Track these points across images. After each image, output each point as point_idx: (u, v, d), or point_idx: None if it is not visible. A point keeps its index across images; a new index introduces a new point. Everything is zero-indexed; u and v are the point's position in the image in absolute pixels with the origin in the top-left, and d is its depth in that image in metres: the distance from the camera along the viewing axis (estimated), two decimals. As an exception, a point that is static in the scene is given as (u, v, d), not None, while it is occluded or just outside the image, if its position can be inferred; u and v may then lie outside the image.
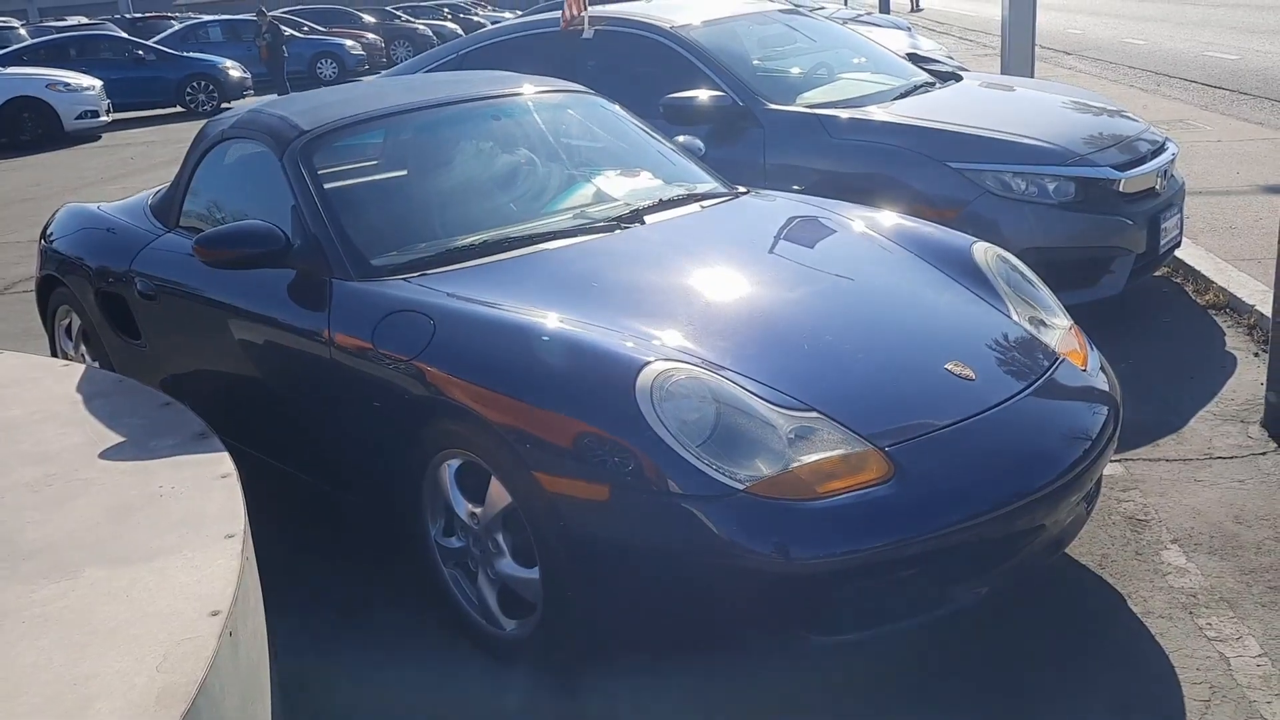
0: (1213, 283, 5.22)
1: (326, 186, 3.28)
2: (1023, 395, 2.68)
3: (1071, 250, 4.64)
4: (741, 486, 2.31)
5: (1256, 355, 4.42)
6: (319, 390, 3.06)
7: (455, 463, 2.73)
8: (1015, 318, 3.01)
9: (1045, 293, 3.25)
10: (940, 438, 2.50)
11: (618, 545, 2.40)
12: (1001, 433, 2.57)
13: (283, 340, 3.16)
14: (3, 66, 17.34)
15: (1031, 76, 8.63)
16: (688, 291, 2.91)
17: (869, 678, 2.62)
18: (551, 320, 2.67)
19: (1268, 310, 3.98)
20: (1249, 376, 4.23)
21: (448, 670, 2.79)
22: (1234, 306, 4.98)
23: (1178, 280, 5.53)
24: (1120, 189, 4.67)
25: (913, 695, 2.57)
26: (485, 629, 2.78)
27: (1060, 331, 3.05)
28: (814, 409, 2.48)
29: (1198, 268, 5.44)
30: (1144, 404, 4.04)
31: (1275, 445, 3.66)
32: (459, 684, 2.74)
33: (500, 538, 2.66)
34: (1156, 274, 5.49)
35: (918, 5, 30.68)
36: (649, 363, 2.45)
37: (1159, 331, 4.89)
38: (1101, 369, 3.01)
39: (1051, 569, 2.96)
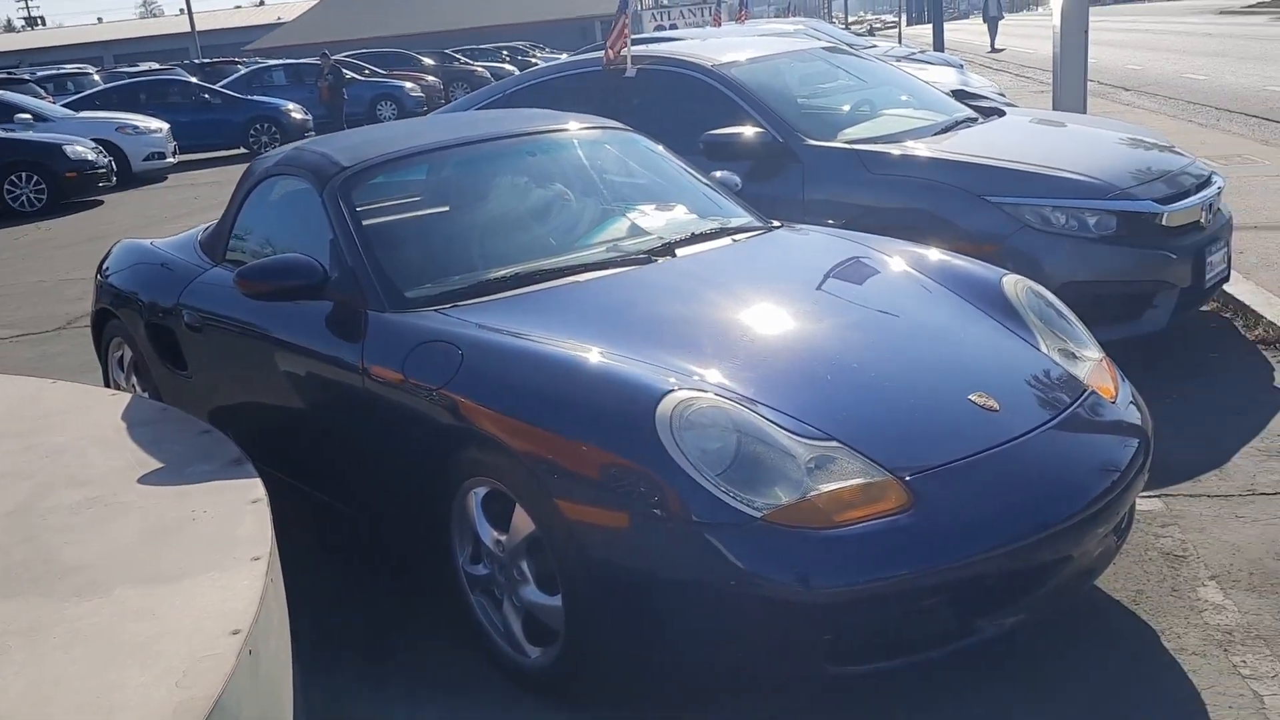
0: (1262, 317, 5.14)
1: (365, 221, 3.37)
2: (1048, 427, 2.66)
3: (1113, 284, 4.59)
4: (759, 515, 2.32)
5: (1306, 391, 4.33)
6: (354, 419, 3.13)
7: (482, 490, 2.78)
8: (1044, 350, 3.00)
9: (1077, 325, 3.23)
10: (961, 468, 2.49)
11: (637, 573, 2.42)
12: (1025, 463, 2.56)
13: (320, 370, 3.24)
14: (77, 111, 17.97)
15: (1084, 112, 8.58)
16: (714, 322, 2.94)
17: (893, 712, 2.60)
18: (576, 350, 2.71)
19: (1315, 344, 3.91)
20: (1297, 412, 4.14)
21: (475, 697, 2.82)
22: (1284, 341, 4.89)
23: (1227, 315, 5.44)
24: (1163, 223, 4.62)
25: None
26: (511, 656, 2.81)
27: (1090, 364, 3.03)
28: (834, 439, 2.49)
29: (1247, 302, 5.35)
30: (1187, 439, 3.98)
31: (1321, 482, 3.59)
32: (486, 713, 2.77)
33: (525, 565, 2.69)
34: (1204, 309, 5.41)
35: (995, 46, 30.27)
36: (670, 391, 2.48)
37: (1206, 367, 4.81)
38: (1133, 402, 2.98)
39: (1084, 604, 2.92)
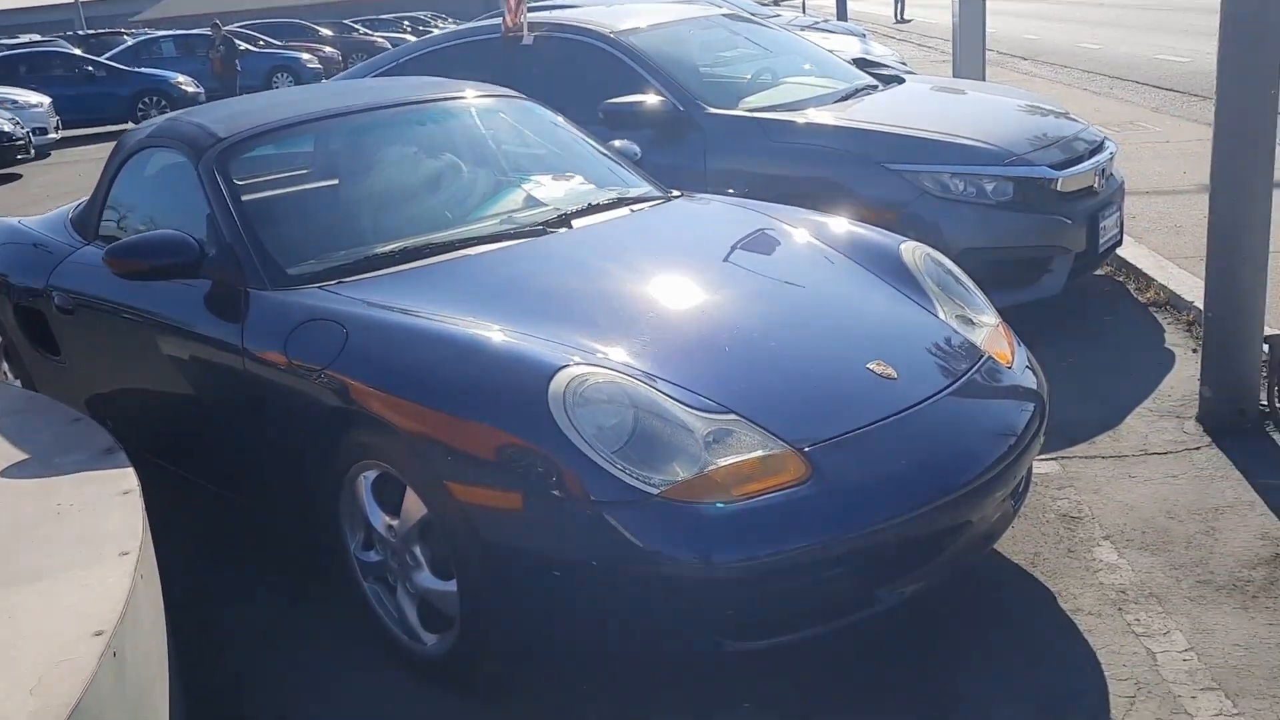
0: (1154, 280, 5.25)
1: (244, 195, 3.22)
2: (945, 393, 2.66)
3: (1011, 250, 4.64)
4: (656, 491, 2.26)
5: (1194, 351, 4.42)
6: (237, 403, 2.99)
7: (372, 474, 2.67)
8: (942, 316, 2.99)
9: (974, 291, 3.23)
10: (860, 437, 2.46)
11: (532, 555, 2.35)
12: (923, 431, 2.55)
13: (200, 353, 3.09)
14: (-49, 85, 17.09)
15: (982, 80, 8.67)
16: (609, 295, 2.87)
17: (788, 679, 2.58)
18: (466, 326, 2.62)
19: (1202, 306, 3.98)
20: (1186, 372, 4.23)
21: (370, 688, 2.73)
22: (1174, 304, 5.00)
23: (1120, 279, 5.56)
24: (1058, 188, 4.68)
25: (834, 695, 2.53)
26: (407, 644, 2.71)
27: (987, 330, 3.03)
28: (732, 411, 2.44)
29: (1140, 266, 5.46)
30: (1082, 402, 4.04)
31: (1209, 440, 3.66)
32: (382, 703, 2.68)
33: (418, 550, 2.60)
34: (1098, 273, 5.51)
35: (902, 16, 30.41)
36: (563, 367, 2.40)
37: (1100, 330, 4.90)
38: (1029, 367, 2.99)
39: (982, 567, 2.93)
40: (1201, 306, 4.50)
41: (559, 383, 2.36)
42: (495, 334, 2.58)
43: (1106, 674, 2.54)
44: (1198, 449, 3.62)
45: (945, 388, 2.67)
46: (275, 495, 3.03)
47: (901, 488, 2.43)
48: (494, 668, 2.56)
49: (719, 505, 2.27)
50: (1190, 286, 5.00)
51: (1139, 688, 2.49)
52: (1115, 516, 3.24)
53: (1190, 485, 3.38)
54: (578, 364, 2.43)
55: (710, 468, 2.31)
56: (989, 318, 3.11)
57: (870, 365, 2.66)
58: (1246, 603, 2.77)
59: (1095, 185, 4.87)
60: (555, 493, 2.29)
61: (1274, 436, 3.66)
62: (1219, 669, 2.52)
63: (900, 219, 4.48)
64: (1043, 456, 3.59)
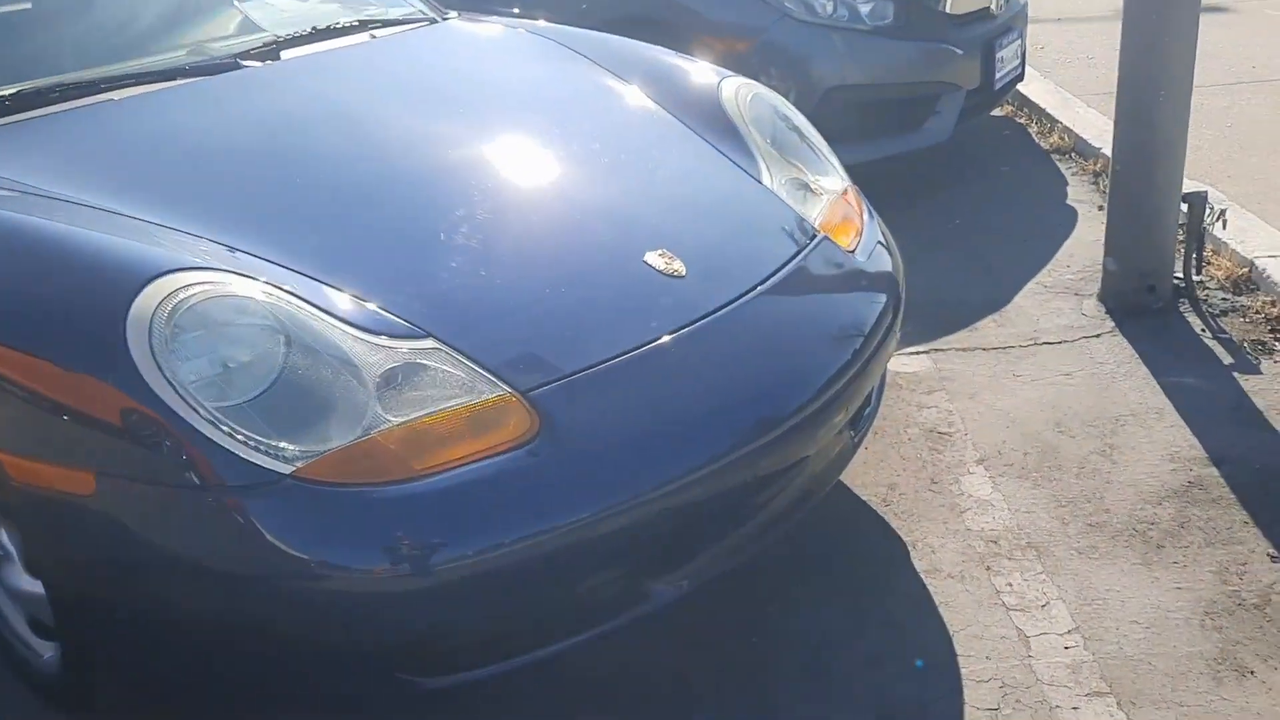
0: (1058, 122, 4.51)
1: None
2: (754, 294, 1.90)
3: (890, 88, 3.84)
4: (290, 469, 1.49)
5: (1100, 209, 3.73)
6: None
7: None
8: (766, 182, 2.21)
9: (816, 145, 2.44)
10: (619, 368, 1.70)
11: (115, 556, 1.58)
12: (716, 350, 1.80)
13: None
14: None
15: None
16: (283, 159, 2.03)
17: (544, 689, 1.89)
18: (39, 211, 1.77)
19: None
20: (1089, 236, 3.54)
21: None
22: (1080, 150, 4.29)
23: (1021, 120, 4.81)
24: (946, 10, 3.86)
25: (614, 699, 1.85)
26: (25, 657, 1.94)
27: (827, 200, 2.26)
28: (429, 334, 1.65)
29: (1043, 105, 4.72)
30: (966, 276, 3.34)
31: (1111, 325, 2.99)
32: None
33: (3, 537, 1.82)
34: (995, 113, 4.75)
35: None
36: (157, 277, 1.58)
37: (993, 184, 4.16)
38: (881, 244, 2.24)
39: (818, 510, 2.24)
40: (1109, 154, 3.78)
41: (146, 301, 1.54)
42: (82, 223, 1.73)
43: (963, 672, 1.89)
44: (1098, 336, 2.95)
45: (755, 286, 1.91)
46: None
47: (681, 437, 1.69)
48: (114, 694, 1.82)
49: (390, 486, 1.51)
50: (1100, 130, 4.27)
51: (1005, 694, 1.84)
52: (993, 431, 2.56)
53: (1086, 386, 2.71)
54: (184, 271, 1.60)
55: (382, 426, 1.54)
56: (832, 182, 2.33)
57: (649, 258, 1.88)
58: (1149, 555, 2.13)
59: (992, 7, 4.06)
60: (136, 470, 1.50)
61: (1188, 319, 3.00)
62: (1111, 661, 1.89)
63: (754, 49, 3.65)
64: (911, 350, 2.89)
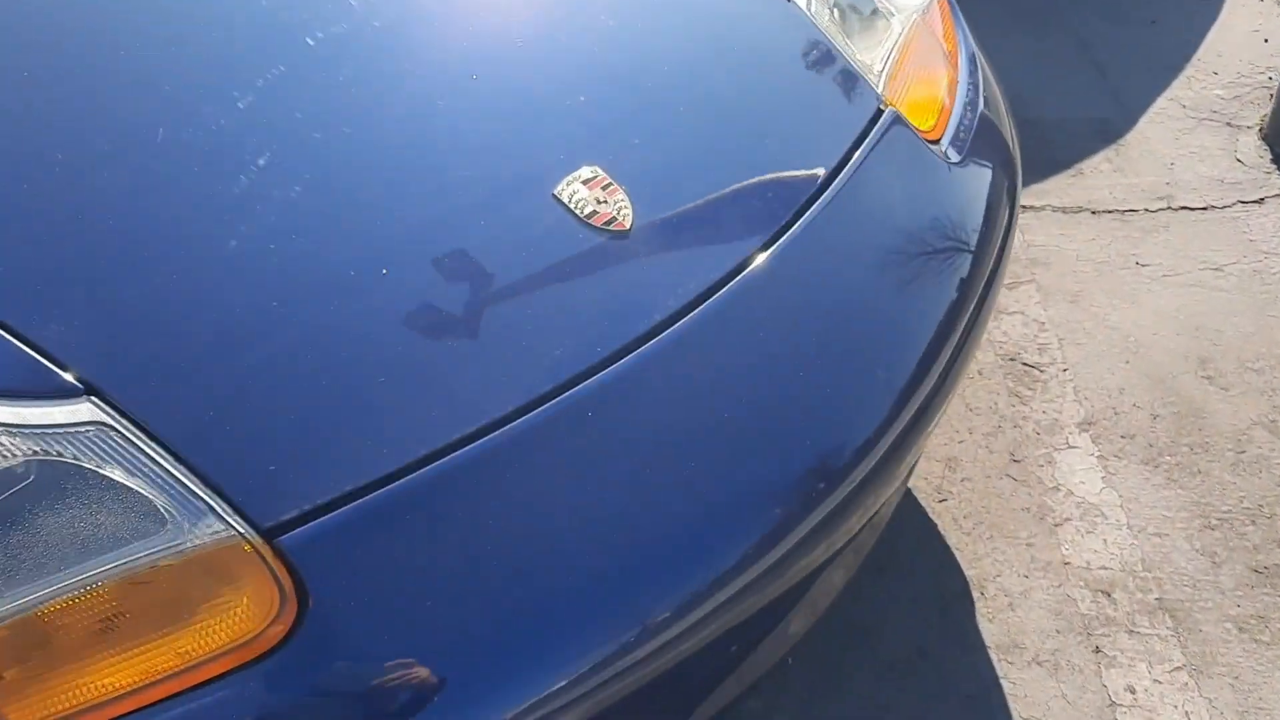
0: None
1: None
2: (753, 277, 1.01)
3: None
4: None
5: (1260, -21, 2.68)
6: None
7: None
8: (817, 21, 1.25)
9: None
10: (478, 467, 0.85)
11: None
12: (673, 424, 0.93)
13: None
14: None
15: None
16: None
17: None
18: None
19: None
20: (1245, 24, 2.53)
21: None
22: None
23: None
24: None
25: None
26: None
27: (901, 25, 1.30)
28: (85, 388, 0.80)
29: None
30: (1068, 77, 2.39)
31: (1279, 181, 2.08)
32: None
33: None
34: None
35: None
36: None
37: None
38: (989, 116, 1.31)
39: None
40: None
41: None
42: None
43: None
44: (1259, 202, 2.05)
45: (755, 254, 1.02)
46: None
47: (611, 619, 0.86)
48: None
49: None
50: None
51: None
52: (1106, 367, 1.73)
53: (1246, 293, 1.85)
54: None
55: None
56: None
57: (565, 187, 0.98)
58: (1349, 641, 1.37)
59: None
60: None
61: (1396, 182, 2.08)
62: None
63: None
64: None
